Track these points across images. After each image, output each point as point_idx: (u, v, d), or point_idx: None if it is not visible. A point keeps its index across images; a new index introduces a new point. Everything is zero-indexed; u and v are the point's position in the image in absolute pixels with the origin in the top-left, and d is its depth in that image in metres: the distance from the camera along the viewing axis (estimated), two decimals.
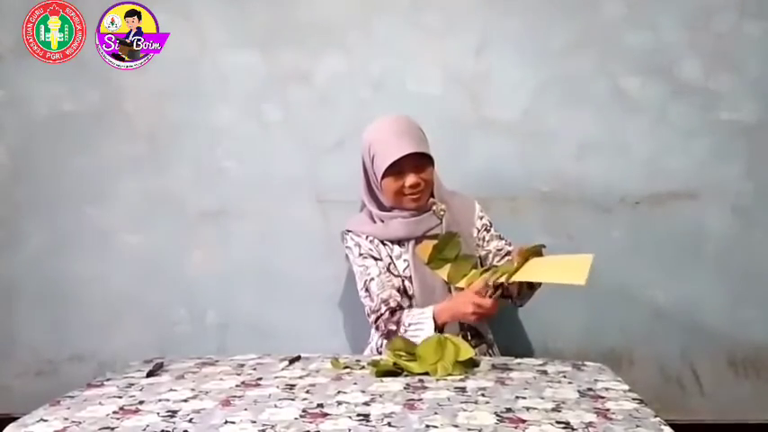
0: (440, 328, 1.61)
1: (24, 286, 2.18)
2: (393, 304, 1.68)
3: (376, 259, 1.75)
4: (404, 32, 2.11)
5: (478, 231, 1.81)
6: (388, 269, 1.75)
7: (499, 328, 1.88)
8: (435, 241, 1.67)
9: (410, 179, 1.68)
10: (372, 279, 1.73)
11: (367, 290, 1.73)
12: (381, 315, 1.68)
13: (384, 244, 1.77)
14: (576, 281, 1.38)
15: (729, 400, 2.08)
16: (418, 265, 1.73)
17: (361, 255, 1.77)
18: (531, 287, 1.73)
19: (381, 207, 1.78)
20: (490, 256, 1.81)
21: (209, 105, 2.14)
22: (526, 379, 1.38)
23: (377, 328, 1.72)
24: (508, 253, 1.79)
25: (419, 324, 1.62)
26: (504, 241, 1.83)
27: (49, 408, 1.26)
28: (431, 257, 1.67)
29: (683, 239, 2.08)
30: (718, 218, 2.08)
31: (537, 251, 1.57)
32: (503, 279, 1.53)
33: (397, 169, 1.68)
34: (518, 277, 1.54)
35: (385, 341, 1.77)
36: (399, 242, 1.76)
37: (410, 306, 1.73)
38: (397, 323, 1.66)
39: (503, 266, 1.60)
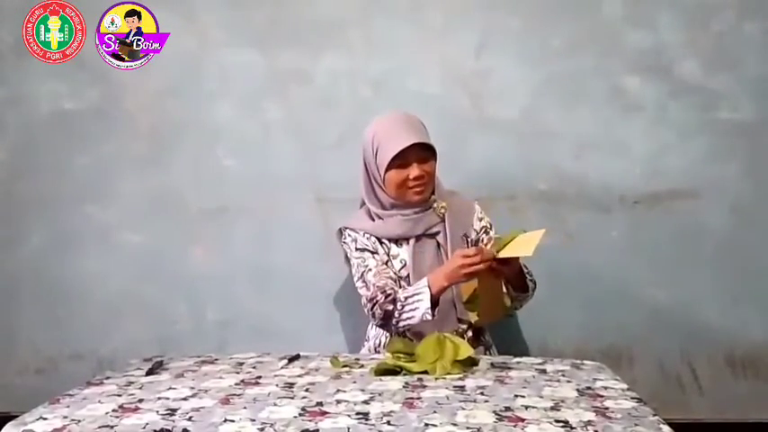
0: (437, 297, 1.59)
1: (25, 284, 2.18)
2: (389, 291, 1.65)
3: (373, 253, 1.75)
4: (404, 31, 2.11)
5: (477, 233, 1.80)
6: (386, 264, 1.74)
7: (498, 327, 1.88)
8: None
9: (414, 170, 1.68)
10: (369, 269, 1.71)
11: (363, 280, 1.72)
12: (377, 301, 1.65)
13: (381, 243, 1.77)
14: (524, 253, 1.52)
15: (728, 399, 2.09)
16: (417, 265, 1.72)
17: (358, 248, 1.76)
18: (525, 290, 1.71)
19: (381, 206, 1.77)
20: None
21: (209, 104, 2.15)
22: (525, 378, 1.38)
23: (373, 316, 1.67)
24: None
25: (415, 295, 1.60)
26: None
27: (48, 406, 1.26)
28: (470, 298, 1.68)
29: (682, 238, 2.09)
30: (717, 217, 2.08)
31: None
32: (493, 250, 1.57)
33: (401, 161, 1.68)
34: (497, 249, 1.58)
35: (383, 340, 1.77)
36: (397, 241, 1.76)
37: None
38: (393, 301, 1.63)
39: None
